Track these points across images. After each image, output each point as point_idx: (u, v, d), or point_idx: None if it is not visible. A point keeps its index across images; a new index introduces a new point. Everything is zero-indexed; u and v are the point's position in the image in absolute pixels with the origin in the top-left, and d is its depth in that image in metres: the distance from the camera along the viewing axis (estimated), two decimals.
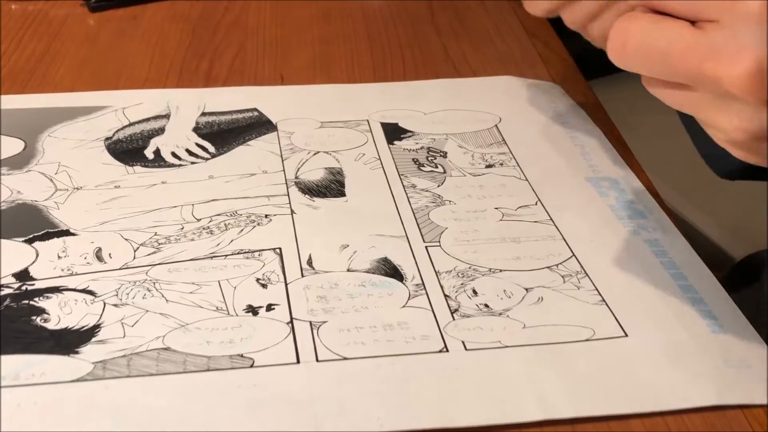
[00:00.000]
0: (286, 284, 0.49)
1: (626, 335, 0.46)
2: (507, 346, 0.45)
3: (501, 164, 0.61)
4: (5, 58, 0.71)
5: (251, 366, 0.43)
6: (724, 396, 0.43)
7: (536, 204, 0.56)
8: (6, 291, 0.47)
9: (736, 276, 0.69)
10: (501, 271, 0.50)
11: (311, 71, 0.72)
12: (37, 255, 0.50)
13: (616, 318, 0.47)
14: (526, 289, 0.49)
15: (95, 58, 0.72)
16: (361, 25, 0.78)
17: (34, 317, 0.46)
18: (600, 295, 0.49)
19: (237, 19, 0.80)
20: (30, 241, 0.51)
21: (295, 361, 0.43)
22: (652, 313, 0.48)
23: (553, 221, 0.55)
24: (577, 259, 0.51)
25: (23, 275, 0.49)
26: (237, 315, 0.46)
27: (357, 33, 0.78)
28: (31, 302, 0.47)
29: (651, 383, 0.43)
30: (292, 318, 0.46)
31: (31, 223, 0.53)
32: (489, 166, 0.60)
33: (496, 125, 0.65)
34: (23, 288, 0.48)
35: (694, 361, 0.44)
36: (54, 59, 0.72)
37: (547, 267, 0.51)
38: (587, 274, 0.50)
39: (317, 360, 0.44)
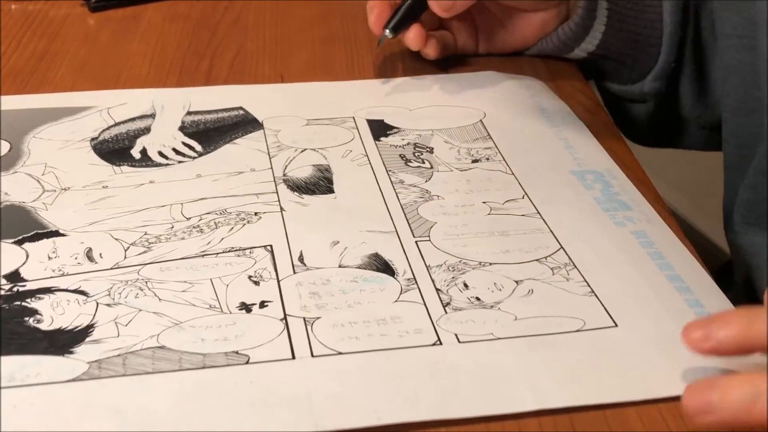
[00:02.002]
0: (278, 281, 0.49)
1: (616, 325, 0.47)
2: (499, 338, 0.45)
3: (487, 159, 0.61)
4: (5, 58, 0.71)
5: (247, 363, 0.43)
6: None
7: (523, 198, 0.57)
8: None
9: (727, 272, 0.70)
10: (491, 264, 0.51)
11: (311, 71, 0.72)
12: (28, 256, 0.50)
13: (605, 308, 0.48)
14: (516, 282, 0.49)
15: (95, 58, 0.72)
16: (361, 25, 0.78)
17: (27, 318, 0.46)
18: (589, 286, 0.49)
19: (237, 19, 0.80)
20: (19, 243, 0.51)
21: (291, 357, 0.44)
22: (640, 303, 0.48)
23: (540, 214, 0.55)
24: (565, 251, 0.52)
25: (14, 276, 0.49)
26: (230, 312, 0.47)
27: (357, 33, 0.78)
28: (23, 303, 0.47)
29: (641, 372, 0.44)
30: (285, 314, 0.46)
31: (20, 225, 0.53)
32: (475, 161, 0.61)
33: (481, 120, 0.65)
34: (15, 289, 0.48)
35: (683, 349, 0.45)
36: (54, 59, 0.71)
37: (536, 260, 0.51)
38: (576, 266, 0.51)
39: (312, 355, 0.44)
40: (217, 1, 0.83)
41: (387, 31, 0.67)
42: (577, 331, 0.46)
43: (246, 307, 0.47)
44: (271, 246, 0.51)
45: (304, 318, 0.46)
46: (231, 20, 0.80)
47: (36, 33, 0.75)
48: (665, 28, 0.67)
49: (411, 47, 0.69)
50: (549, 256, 0.52)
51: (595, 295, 0.49)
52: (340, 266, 0.50)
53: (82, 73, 0.70)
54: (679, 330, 0.46)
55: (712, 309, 0.48)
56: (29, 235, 0.52)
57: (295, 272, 0.49)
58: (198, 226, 0.53)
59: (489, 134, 0.64)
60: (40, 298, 0.47)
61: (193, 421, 0.40)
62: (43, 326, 0.45)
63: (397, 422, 0.40)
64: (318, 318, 0.46)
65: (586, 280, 0.50)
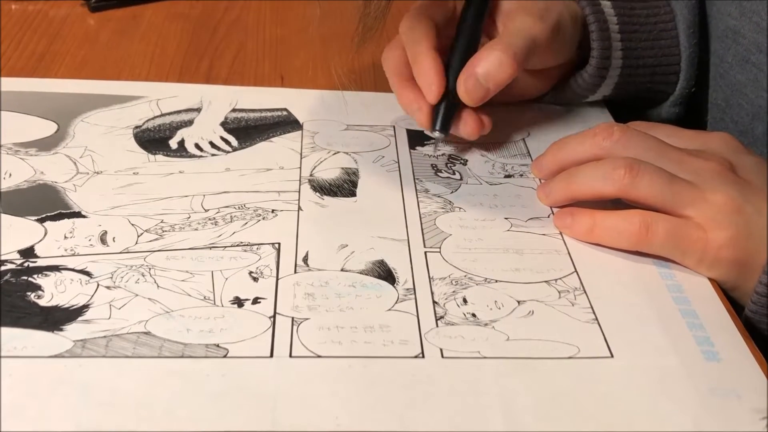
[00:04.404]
0: (277, 279, 0.49)
1: (612, 356, 0.45)
2: (485, 357, 0.44)
3: (521, 175, 0.60)
4: (5, 58, 0.71)
5: (225, 356, 0.43)
6: (701, 424, 0.41)
7: (548, 217, 0.55)
8: (8, 266, 0.49)
9: None
10: (496, 281, 0.49)
11: (311, 71, 0.72)
12: (46, 234, 0.52)
13: (605, 338, 0.46)
14: (518, 302, 0.48)
15: (95, 58, 0.73)
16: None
17: (29, 293, 0.47)
18: (594, 313, 0.47)
19: (237, 19, 0.81)
20: (42, 220, 0.53)
21: (269, 355, 0.44)
22: (644, 335, 0.46)
23: (562, 235, 0.54)
24: (578, 275, 0.50)
25: (28, 252, 0.50)
26: (222, 306, 0.47)
27: (357, 33, 0.78)
28: (30, 279, 0.48)
29: (627, 406, 0.42)
30: (275, 312, 0.46)
31: (47, 203, 0.54)
32: (508, 176, 0.59)
33: (523, 139, 0.64)
34: (25, 264, 0.49)
35: (677, 387, 0.43)
36: (54, 59, 0.72)
37: (545, 281, 0.50)
38: (585, 291, 0.49)
39: (290, 356, 0.44)
40: (217, 1, 0.84)
41: (437, 133, 0.59)
42: (569, 357, 0.44)
43: (239, 302, 0.47)
44: (279, 244, 0.51)
45: (292, 318, 0.46)
46: (231, 20, 0.81)
47: (36, 33, 0.76)
48: (683, 52, 0.63)
49: (472, 139, 0.61)
50: (560, 278, 0.50)
51: (598, 323, 0.47)
52: (342, 270, 0.50)
53: (82, 73, 0.70)
54: (679, 367, 0.44)
55: (723, 348, 0.46)
56: (53, 214, 0.53)
57: (296, 272, 0.49)
58: (214, 218, 0.54)
59: (528, 152, 0.62)
60: (46, 275, 0.48)
61: (155, 406, 0.40)
62: (42, 302, 0.47)
63: (355, 430, 0.39)
64: (306, 319, 0.46)
65: (592, 307, 0.48)
